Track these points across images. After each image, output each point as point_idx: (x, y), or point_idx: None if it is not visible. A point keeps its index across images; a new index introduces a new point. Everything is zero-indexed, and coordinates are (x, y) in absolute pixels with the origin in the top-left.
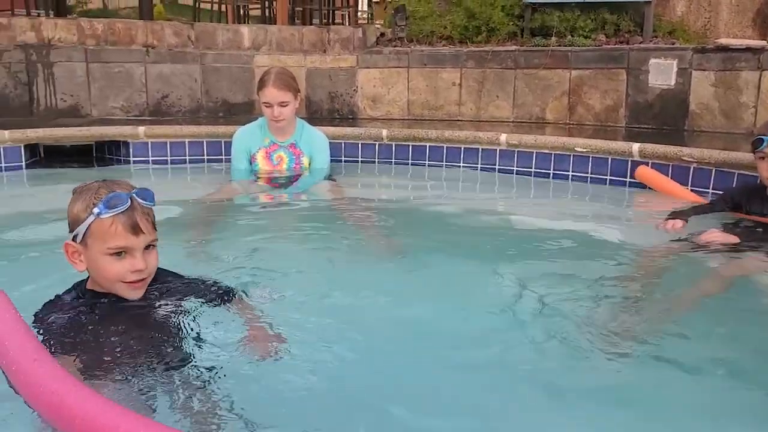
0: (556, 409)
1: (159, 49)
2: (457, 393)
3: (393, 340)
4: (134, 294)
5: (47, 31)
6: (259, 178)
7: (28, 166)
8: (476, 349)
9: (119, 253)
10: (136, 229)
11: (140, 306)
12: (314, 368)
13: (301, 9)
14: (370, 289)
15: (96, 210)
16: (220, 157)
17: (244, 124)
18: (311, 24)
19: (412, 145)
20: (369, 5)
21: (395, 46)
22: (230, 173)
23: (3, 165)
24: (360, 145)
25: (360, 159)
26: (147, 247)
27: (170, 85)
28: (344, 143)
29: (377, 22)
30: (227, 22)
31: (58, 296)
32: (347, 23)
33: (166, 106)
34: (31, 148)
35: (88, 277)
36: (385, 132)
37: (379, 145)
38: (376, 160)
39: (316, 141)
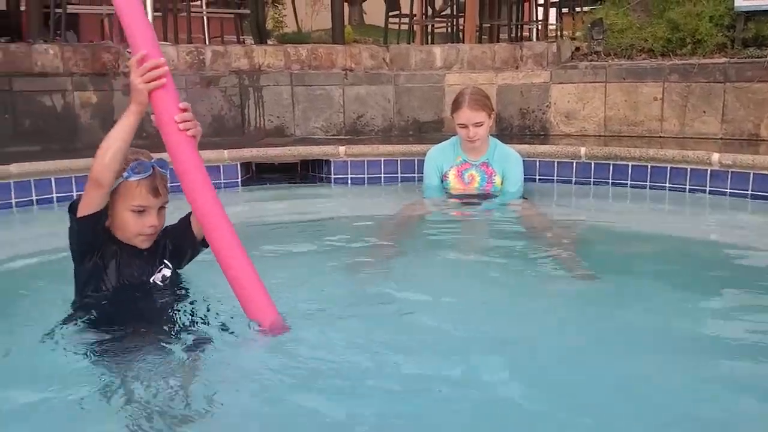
0: None
1: (356, 71)
2: None
3: (577, 367)
4: (146, 245)
5: (258, 58)
6: (450, 196)
7: (243, 183)
8: (676, 385)
9: (140, 211)
10: (156, 192)
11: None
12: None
13: (488, 25)
14: (557, 314)
15: (125, 174)
16: (413, 174)
17: (434, 142)
18: (498, 40)
19: (613, 164)
20: (559, 19)
21: (591, 61)
22: (422, 191)
23: (222, 181)
24: (555, 164)
25: (555, 178)
26: (160, 208)
27: (365, 105)
28: (539, 161)
29: (566, 33)
30: (414, 40)
31: None
32: (535, 38)
33: (361, 126)
34: (246, 166)
35: None
36: (583, 150)
37: (576, 163)
38: (573, 179)
39: (509, 160)
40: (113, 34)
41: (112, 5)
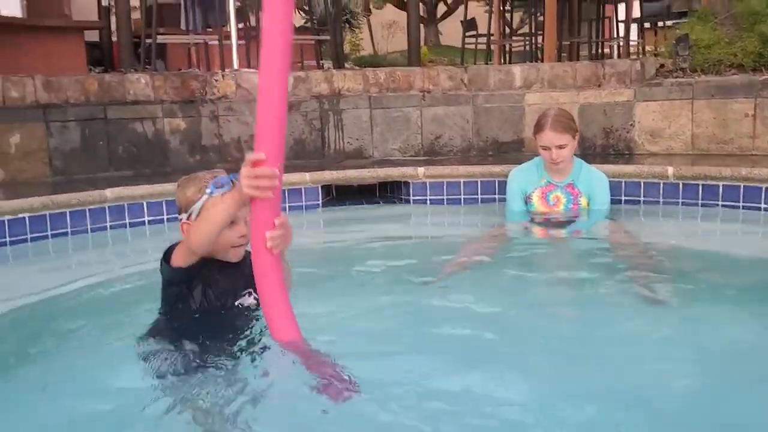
0: None
1: (434, 93)
2: None
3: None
4: (237, 257)
5: (338, 82)
6: (534, 218)
7: (323, 204)
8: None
9: (230, 222)
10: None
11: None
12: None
13: (567, 43)
14: (639, 345)
15: (208, 190)
16: (494, 196)
17: (514, 163)
18: (578, 57)
19: (702, 184)
20: (640, 35)
21: (677, 77)
22: (505, 213)
23: (304, 203)
24: (642, 184)
25: (642, 199)
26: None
27: (443, 126)
28: (624, 182)
29: (649, 48)
30: (491, 59)
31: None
32: (616, 55)
33: (439, 147)
34: (326, 188)
35: None
36: (671, 170)
37: (663, 184)
38: (661, 200)
39: (595, 181)
40: (200, 62)
41: (198, 36)
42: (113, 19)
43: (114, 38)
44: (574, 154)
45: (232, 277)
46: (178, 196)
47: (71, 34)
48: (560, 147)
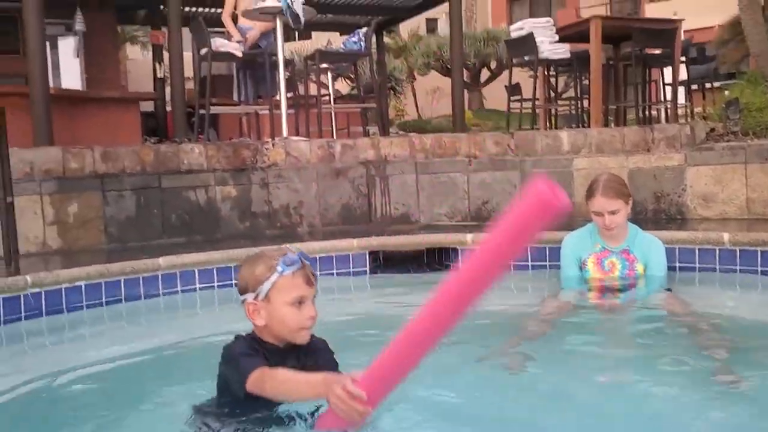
0: None
1: (480, 158)
2: None
3: None
4: (305, 339)
5: (384, 149)
6: (590, 285)
7: (371, 271)
8: None
9: (299, 303)
10: (309, 281)
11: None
12: None
13: (615, 107)
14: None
15: (279, 269)
16: (544, 263)
17: (563, 229)
18: (625, 121)
19: (761, 251)
20: (688, 97)
21: (728, 141)
22: (559, 280)
23: (351, 270)
24: (696, 251)
25: (697, 266)
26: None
27: (490, 191)
28: (678, 248)
29: (697, 110)
30: (537, 123)
31: (240, 336)
32: (664, 118)
33: (486, 212)
34: (373, 254)
35: (252, 332)
36: (726, 236)
37: (719, 250)
38: (717, 267)
39: (651, 247)
40: (250, 130)
41: (249, 106)
42: (167, 89)
43: (168, 108)
44: (628, 220)
45: (293, 365)
46: (244, 275)
47: (127, 104)
48: (612, 213)
